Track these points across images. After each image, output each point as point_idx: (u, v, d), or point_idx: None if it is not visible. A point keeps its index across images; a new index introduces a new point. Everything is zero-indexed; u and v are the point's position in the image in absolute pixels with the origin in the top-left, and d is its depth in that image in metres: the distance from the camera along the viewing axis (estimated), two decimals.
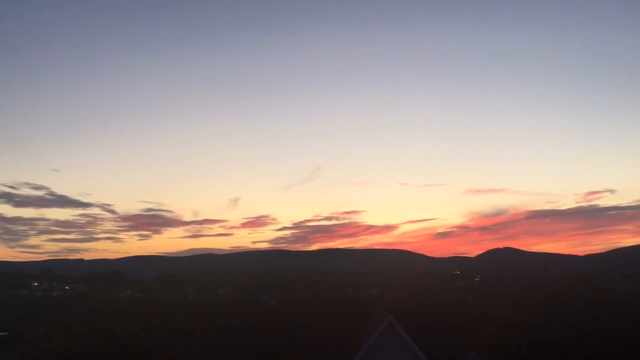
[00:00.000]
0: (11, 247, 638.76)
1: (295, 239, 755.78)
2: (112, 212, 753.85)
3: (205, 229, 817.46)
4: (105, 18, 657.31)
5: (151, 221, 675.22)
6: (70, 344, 32.95)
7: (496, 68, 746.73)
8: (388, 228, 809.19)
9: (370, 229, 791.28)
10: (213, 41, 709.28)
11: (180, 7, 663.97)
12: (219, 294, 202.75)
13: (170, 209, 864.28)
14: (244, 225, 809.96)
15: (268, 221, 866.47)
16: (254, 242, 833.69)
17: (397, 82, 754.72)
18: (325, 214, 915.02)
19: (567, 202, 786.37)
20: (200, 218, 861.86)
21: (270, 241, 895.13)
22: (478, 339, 41.53)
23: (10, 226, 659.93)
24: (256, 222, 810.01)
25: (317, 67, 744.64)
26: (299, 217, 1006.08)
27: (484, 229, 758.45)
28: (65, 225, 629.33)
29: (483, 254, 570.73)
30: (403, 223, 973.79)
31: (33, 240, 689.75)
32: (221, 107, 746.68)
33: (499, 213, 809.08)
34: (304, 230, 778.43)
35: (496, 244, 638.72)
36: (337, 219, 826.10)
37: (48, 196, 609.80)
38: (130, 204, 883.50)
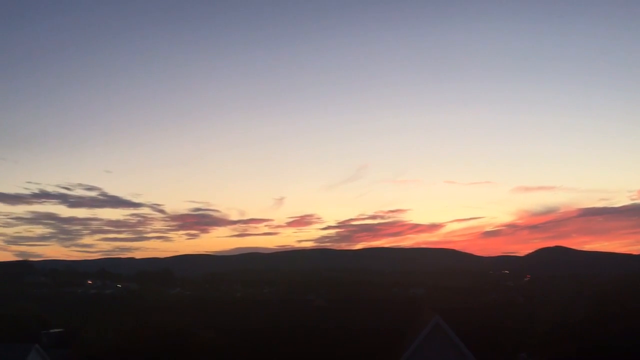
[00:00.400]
0: (66, 247, 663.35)
1: (340, 237, 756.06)
2: (162, 211, 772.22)
3: (252, 228, 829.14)
4: (159, 18, 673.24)
5: (199, 220, 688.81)
6: (123, 340, 34.03)
7: (547, 66, 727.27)
8: (434, 227, 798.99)
9: (416, 228, 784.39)
10: (258, 45, 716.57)
11: (239, 9, 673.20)
12: (265, 292, 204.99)
13: (218, 208, 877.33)
14: (289, 224, 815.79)
15: (313, 220, 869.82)
16: (299, 241, 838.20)
17: (441, 81, 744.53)
18: (370, 213, 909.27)
19: (621, 199, 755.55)
20: (246, 217, 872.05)
21: (315, 240, 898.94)
22: (528, 339, 40.70)
23: (66, 226, 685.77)
24: (301, 221, 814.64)
25: (363, 67, 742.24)
26: (344, 216, 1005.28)
27: (533, 228, 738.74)
28: (117, 224, 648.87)
29: (533, 253, 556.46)
30: (449, 222, 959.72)
31: (87, 240, 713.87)
32: (267, 108, 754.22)
33: (549, 211, 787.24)
34: (349, 229, 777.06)
35: (546, 243, 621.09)
36: (382, 217, 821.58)
37: (100, 197, 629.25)
38: (179, 203, 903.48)
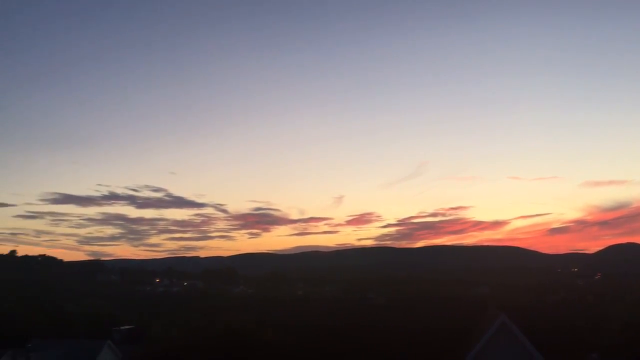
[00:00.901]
0: (135, 246, 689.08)
1: (401, 235, 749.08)
2: (225, 211, 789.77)
3: (312, 227, 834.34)
4: (222, 21, 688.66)
5: (260, 220, 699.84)
6: (190, 336, 35.05)
7: (619, 59, 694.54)
8: (498, 224, 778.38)
9: (479, 225, 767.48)
10: (319, 44, 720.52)
11: (292, 11, 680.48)
12: (326, 291, 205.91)
13: (278, 207, 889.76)
14: (349, 222, 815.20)
15: (372, 218, 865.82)
16: (359, 240, 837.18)
17: (504, 75, 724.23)
18: (431, 210, 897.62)
19: None
20: (306, 216, 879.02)
21: (375, 238, 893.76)
22: (600, 339, 39.11)
23: (134, 226, 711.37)
24: (361, 219, 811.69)
25: (422, 64, 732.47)
26: (404, 214, 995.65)
27: (603, 224, 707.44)
28: (182, 224, 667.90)
29: (603, 250, 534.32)
30: (514, 218, 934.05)
31: (154, 239, 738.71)
32: (325, 107, 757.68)
33: (620, 206, 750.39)
34: (409, 226, 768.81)
35: (618, 240, 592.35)
36: (443, 215, 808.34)
37: (166, 198, 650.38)
38: (241, 203, 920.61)
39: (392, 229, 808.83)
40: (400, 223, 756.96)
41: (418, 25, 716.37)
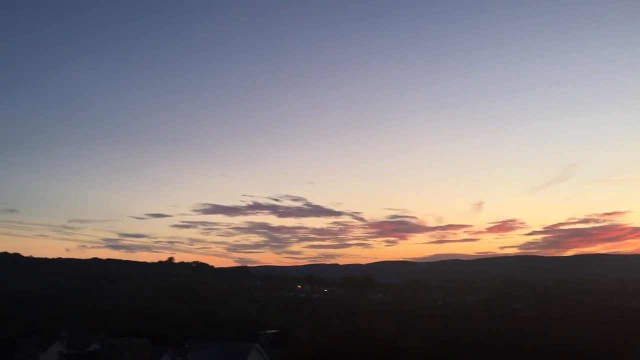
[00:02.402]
0: (278, 253, 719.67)
1: (548, 243, 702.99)
2: (361, 219, 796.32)
3: (450, 235, 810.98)
4: (334, 20, 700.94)
5: (397, 227, 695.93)
6: (333, 342, 35.57)
7: None
8: None
9: (638, 232, 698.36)
10: (444, 46, 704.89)
11: (401, 16, 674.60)
12: (467, 301, 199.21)
13: (415, 215, 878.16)
14: (490, 230, 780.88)
15: (516, 225, 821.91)
16: (502, 248, 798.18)
17: None
18: (582, 216, 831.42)
19: None
20: (444, 223, 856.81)
21: (519, 246, 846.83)
22: None
23: (276, 234, 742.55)
24: (503, 226, 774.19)
25: (572, 54, 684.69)
26: (551, 221, 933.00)
27: None
28: (321, 232, 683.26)
29: None
30: None
31: (295, 247, 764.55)
32: (462, 109, 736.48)
33: None
34: (557, 234, 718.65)
35: None
36: (596, 221, 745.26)
37: (305, 207, 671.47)
38: (377, 211, 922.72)
39: (538, 237, 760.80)
40: (547, 230, 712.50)
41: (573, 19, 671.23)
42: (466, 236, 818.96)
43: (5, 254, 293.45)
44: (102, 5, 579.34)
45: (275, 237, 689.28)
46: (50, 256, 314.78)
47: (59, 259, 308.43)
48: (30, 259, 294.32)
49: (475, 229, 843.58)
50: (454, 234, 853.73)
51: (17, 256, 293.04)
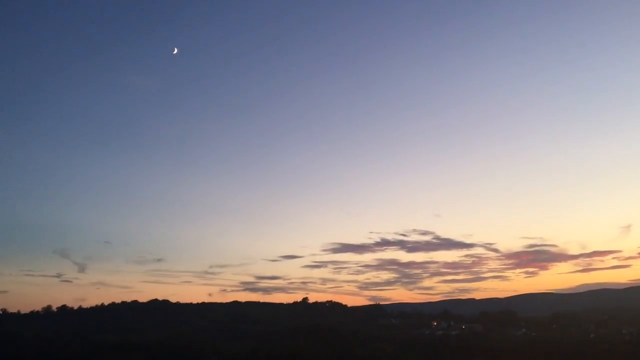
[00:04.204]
0: (410, 289, 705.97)
1: None
2: (495, 250, 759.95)
3: (596, 262, 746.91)
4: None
5: (535, 257, 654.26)
6: None
7: None
8: None
9: None
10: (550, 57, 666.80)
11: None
12: (624, 334, 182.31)
13: (554, 243, 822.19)
14: None
15: None
16: None
17: None
18: None
19: None
20: (588, 250, 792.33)
21: None
22: None
23: (406, 270, 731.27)
24: None
25: None
26: None
27: None
28: (453, 266, 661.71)
29: None
30: None
31: (427, 282, 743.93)
32: (595, 118, 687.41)
33: None
34: None
35: None
36: None
37: (434, 240, 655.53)
38: (512, 241, 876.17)
39: None
40: None
41: None
42: (615, 263, 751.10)
43: (155, 300, 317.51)
44: None
45: (405, 273, 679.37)
46: (194, 301, 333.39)
47: (203, 303, 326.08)
48: (178, 305, 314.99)
49: (625, 254, 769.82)
50: (601, 261, 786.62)
51: (166, 302, 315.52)
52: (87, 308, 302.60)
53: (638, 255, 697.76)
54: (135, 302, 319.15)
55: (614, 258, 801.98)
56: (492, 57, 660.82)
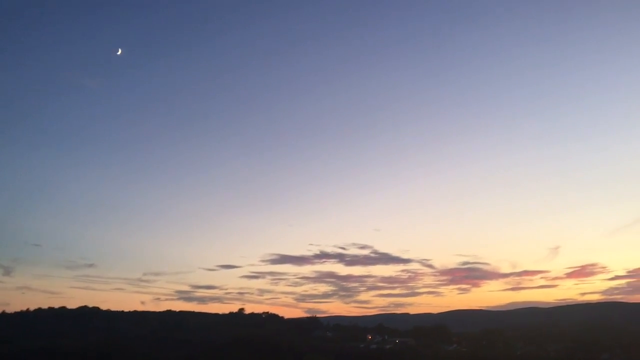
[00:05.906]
0: (347, 303, 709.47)
1: (633, 289, 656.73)
2: (431, 266, 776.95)
3: (526, 281, 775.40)
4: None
5: (468, 274, 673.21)
6: None
7: None
8: None
9: None
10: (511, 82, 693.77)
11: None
12: (549, 350, 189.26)
13: (487, 261, 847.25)
14: (569, 275, 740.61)
15: (596, 270, 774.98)
16: (582, 294, 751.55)
17: None
18: None
19: None
20: (518, 269, 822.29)
21: (602, 292, 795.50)
22: None
23: (344, 283, 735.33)
24: (582, 271, 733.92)
25: None
26: (635, 264, 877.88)
27: None
28: (390, 280, 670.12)
29: None
30: None
31: (363, 296, 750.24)
32: (533, 144, 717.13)
33: None
34: None
35: None
36: None
37: (372, 254, 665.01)
38: (447, 257, 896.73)
39: (622, 282, 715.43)
40: (632, 274, 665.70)
41: None
42: (543, 282, 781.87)
43: (85, 307, 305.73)
44: None
45: (343, 287, 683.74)
46: (127, 309, 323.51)
47: (135, 311, 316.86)
48: (109, 312, 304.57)
49: (552, 274, 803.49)
50: (530, 280, 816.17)
51: (96, 310, 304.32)
52: (10, 313, 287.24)
53: (565, 275, 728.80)
54: (63, 308, 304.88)
55: (542, 278, 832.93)
56: (435, 74, 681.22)
